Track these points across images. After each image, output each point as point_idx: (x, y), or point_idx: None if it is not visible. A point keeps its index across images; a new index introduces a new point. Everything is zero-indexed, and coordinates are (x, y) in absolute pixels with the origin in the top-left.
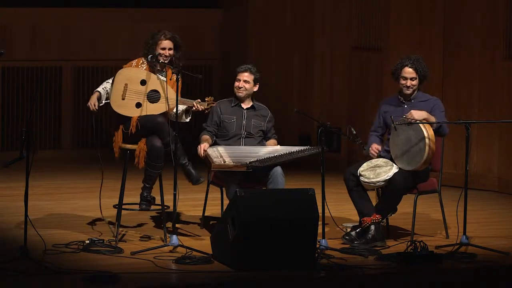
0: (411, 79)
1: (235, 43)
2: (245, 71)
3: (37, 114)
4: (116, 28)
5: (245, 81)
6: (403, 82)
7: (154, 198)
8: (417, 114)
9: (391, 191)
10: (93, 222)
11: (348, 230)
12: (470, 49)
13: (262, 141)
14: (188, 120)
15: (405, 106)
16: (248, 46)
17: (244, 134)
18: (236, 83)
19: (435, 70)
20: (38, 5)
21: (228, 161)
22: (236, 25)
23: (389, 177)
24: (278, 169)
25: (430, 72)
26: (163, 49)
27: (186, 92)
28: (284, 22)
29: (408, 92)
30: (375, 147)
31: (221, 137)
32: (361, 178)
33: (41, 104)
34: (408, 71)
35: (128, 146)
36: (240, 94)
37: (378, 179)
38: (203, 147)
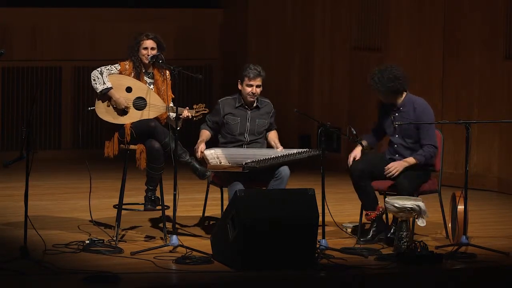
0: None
1: (235, 43)
2: (257, 76)
3: (37, 114)
4: (116, 28)
5: (258, 86)
6: None
7: (158, 198)
8: (395, 169)
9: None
10: (93, 222)
11: (349, 230)
12: (470, 49)
13: (264, 144)
14: (178, 128)
15: (396, 114)
16: (248, 46)
17: (247, 139)
18: (248, 89)
19: (435, 70)
20: (38, 5)
21: (224, 162)
22: (236, 25)
23: (417, 203)
24: (286, 170)
25: (430, 72)
26: (145, 48)
27: (186, 92)
28: (284, 22)
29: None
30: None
31: (224, 138)
32: (387, 205)
33: (41, 104)
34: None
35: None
36: (252, 99)
37: (409, 202)
38: (200, 148)
